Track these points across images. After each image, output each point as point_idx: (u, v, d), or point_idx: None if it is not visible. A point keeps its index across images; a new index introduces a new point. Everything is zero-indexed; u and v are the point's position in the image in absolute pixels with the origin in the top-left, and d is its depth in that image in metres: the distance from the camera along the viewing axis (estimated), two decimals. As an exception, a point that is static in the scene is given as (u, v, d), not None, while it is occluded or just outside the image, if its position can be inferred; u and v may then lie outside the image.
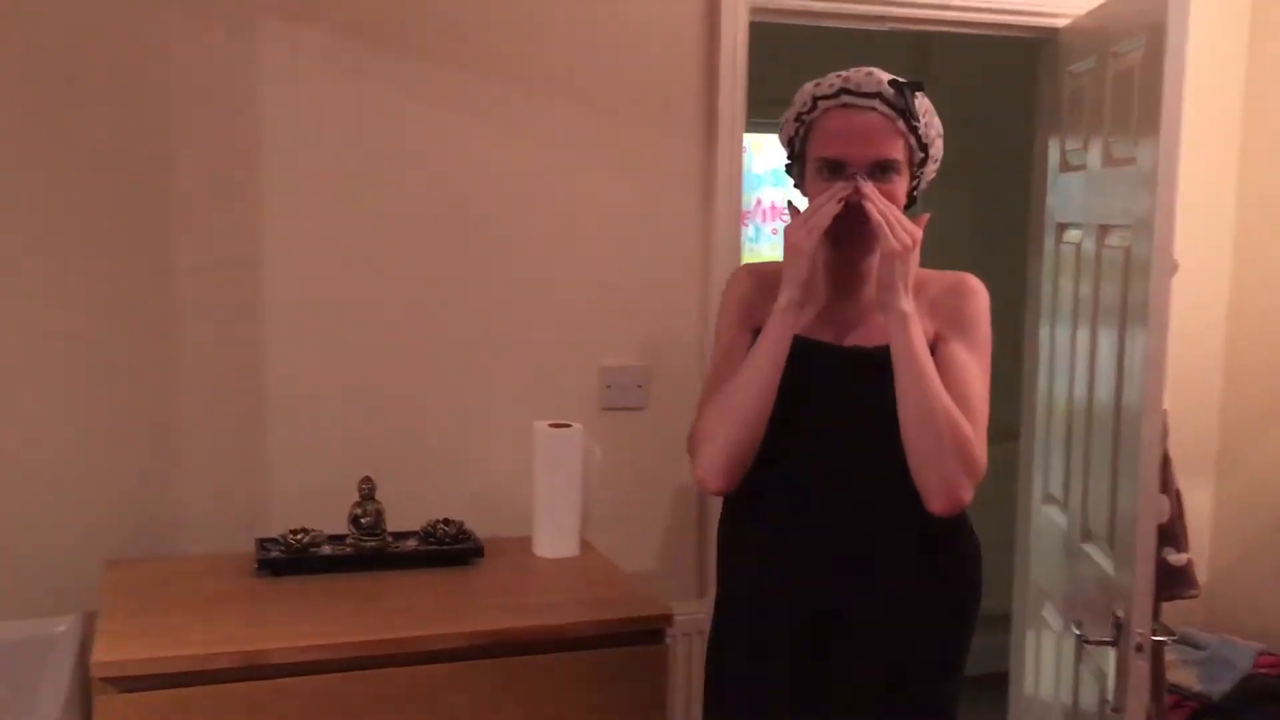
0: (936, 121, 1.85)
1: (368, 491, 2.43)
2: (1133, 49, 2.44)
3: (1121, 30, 2.54)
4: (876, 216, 1.72)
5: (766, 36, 2.85)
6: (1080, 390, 2.69)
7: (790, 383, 1.79)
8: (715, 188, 2.74)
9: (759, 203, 5.75)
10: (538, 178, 2.66)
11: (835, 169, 1.78)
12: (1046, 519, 2.92)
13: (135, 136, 2.41)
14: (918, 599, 1.83)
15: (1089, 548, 2.59)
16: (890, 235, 1.72)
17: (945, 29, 2.96)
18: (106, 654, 1.87)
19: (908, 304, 1.73)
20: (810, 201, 1.82)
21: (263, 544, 2.37)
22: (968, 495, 1.74)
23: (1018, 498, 3.19)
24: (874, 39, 3.02)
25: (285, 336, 2.52)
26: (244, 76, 2.45)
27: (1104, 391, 2.53)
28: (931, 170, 1.87)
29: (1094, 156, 2.68)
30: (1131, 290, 2.38)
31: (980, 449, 1.74)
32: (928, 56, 4.33)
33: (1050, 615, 2.84)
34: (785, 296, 1.78)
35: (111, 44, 2.38)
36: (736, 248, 2.78)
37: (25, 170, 2.36)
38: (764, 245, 5.69)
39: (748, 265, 2.02)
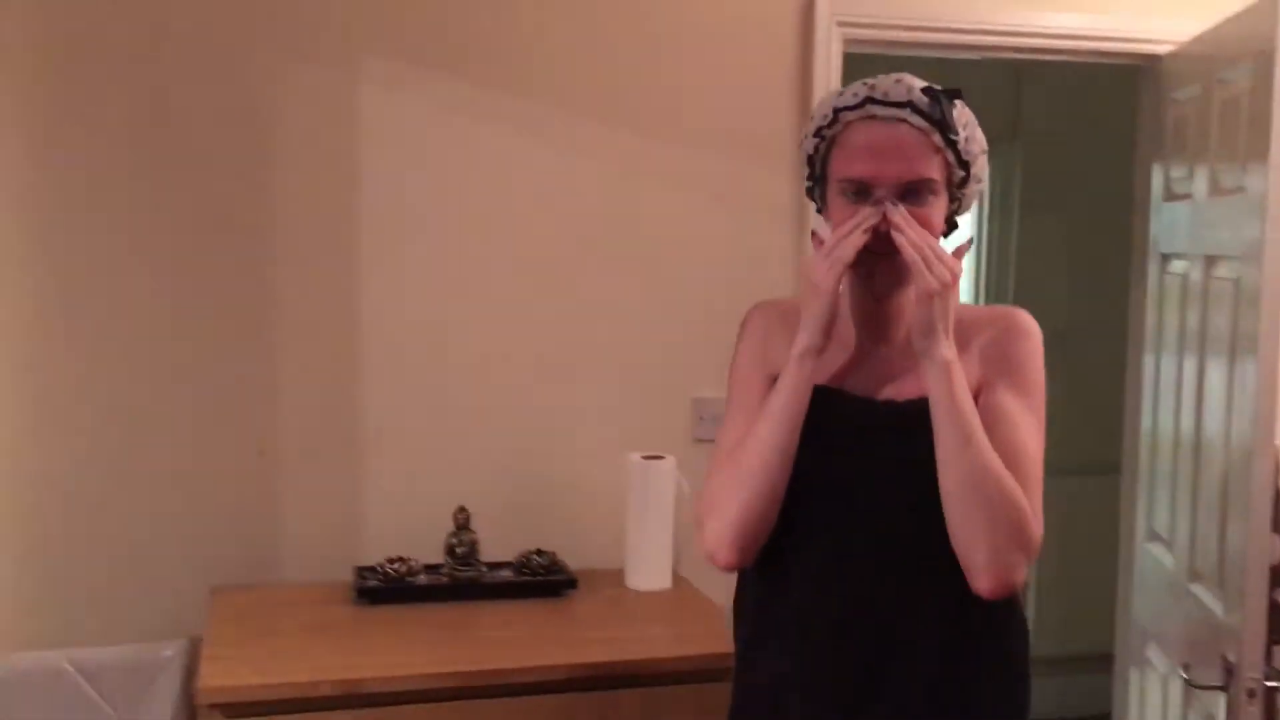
0: (979, 135, 1.58)
1: (463, 521, 2.46)
2: (1240, 76, 2.39)
3: (1227, 57, 2.48)
4: (909, 250, 1.47)
5: (860, 68, 2.84)
6: (1186, 424, 2.62)
7: (813, 441, 1.54)
8: (808, 219, 2.73)
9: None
10: (633, 210, 2.67)
11: (861, 192, 1.51)
12: (1151, 557, 2.84)
13: (240, 171, 2.48)
14: (960, 691, 1.55)
15: (1196, 588, 2.51)
16: (927, 270, 1.46)
17: (1044, 57, 2.92)
18: (212, 680, 1.92)
19: (949, 350, 1.48)
20: (834, 229, 1.55)
21: (361, 572, 2.41)
22: (1020, 575, 1.48)
23: (1119, 534, 3.11)
24: (965, 67, 2.99)
25: (383, 367, 2.56)
26: (345, 113, 2.51)
27: (1212, 425, 2.46)
28: (975, 191, 1.60)
29: (1200, 185, 2.61)
30: (1241, 321, 2.32)
31: (1036, 520, 1.49)
32: (1019, 84, 4.28)
33: (1155, 656, 2.76)
34: (803, 340, 1.53)
35: (219, 83, 2.45)
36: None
37: (138, 207, 2.43)
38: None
39: (766, 303, 1.72)
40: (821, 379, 1.57)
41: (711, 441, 2.71)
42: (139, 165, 2.43)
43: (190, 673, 2.28)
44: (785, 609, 1.59)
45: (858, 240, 1.50)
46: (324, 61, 2.50)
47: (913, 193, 1.51)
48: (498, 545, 2.49)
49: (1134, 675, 2.93)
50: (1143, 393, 2.92)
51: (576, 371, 2.68)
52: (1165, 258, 2.83)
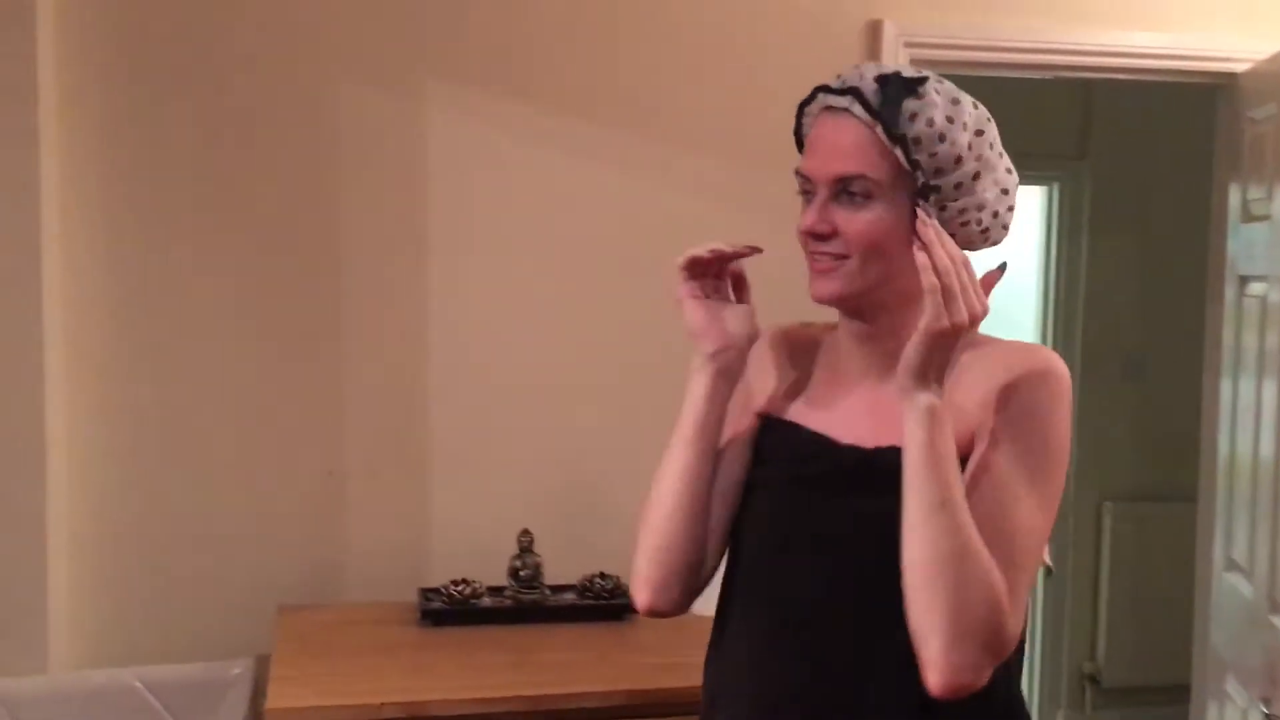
0: (960, 135, 1.28)
1: (526, 544, 2.46)
2: (1320, 94, 2.33)
3: (1307, 74, 2.42)
4: (929, 275, 1.18)
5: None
6: (1266, 449, 2.55)
7: (759, 480, 1.38)
8: (874, 241, 2.71)
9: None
10: (696, 233, 2.65)
11: (807, 191, 1.34)
12: (1229, 586, 2.76)
13: (309, 195, 2.52)
14: None
15: (1277, 619, 2.44)
16: (945, 305, 1.18)
17: (1116, 76, 2.87)
18: (280, 701, 1.93)
19: (933, 393, 1.20)
20: None
21: (425, 594, 2.42)
22: (981, 678, 1.19)
23: (1196, 562, 3.03)
24: (1037, 86, 2.96)
25: (448, 388, 2.58)
26: (411, 136, 2.54)
27: (1292, 453, 2.39)
28: (963, 203, 1.29)
29: (1279, 205, 2.55)
30: (1323, 346, 2.26)
31: (1015, 615, 1.20)
32: (1089, 103, 4.22)
33: (1234, 689, 2.68)
34: (696, 355, 1.40)
35: (290, 107, 2.49)
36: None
37: (210, 230, 2.48)
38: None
39: (779, 329, 1.50)
40: (783, 409, 1.39)
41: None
42: (212, 188, 2.48)
43: (258, 691, 2.30)
44: (731, 671, 1.39)
45: (700, 251, 1.39)
46: (391, 85, 2.53)
47: (845, 193, 1.29)
48: (561, 568, 2.49)
49: (1212, 708, 2.85)
50: (1220, 418, 2.85)
51: (639, 394, 2.67)
52: (1243, 279, 2.76)
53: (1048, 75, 2.84)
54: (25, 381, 2.30)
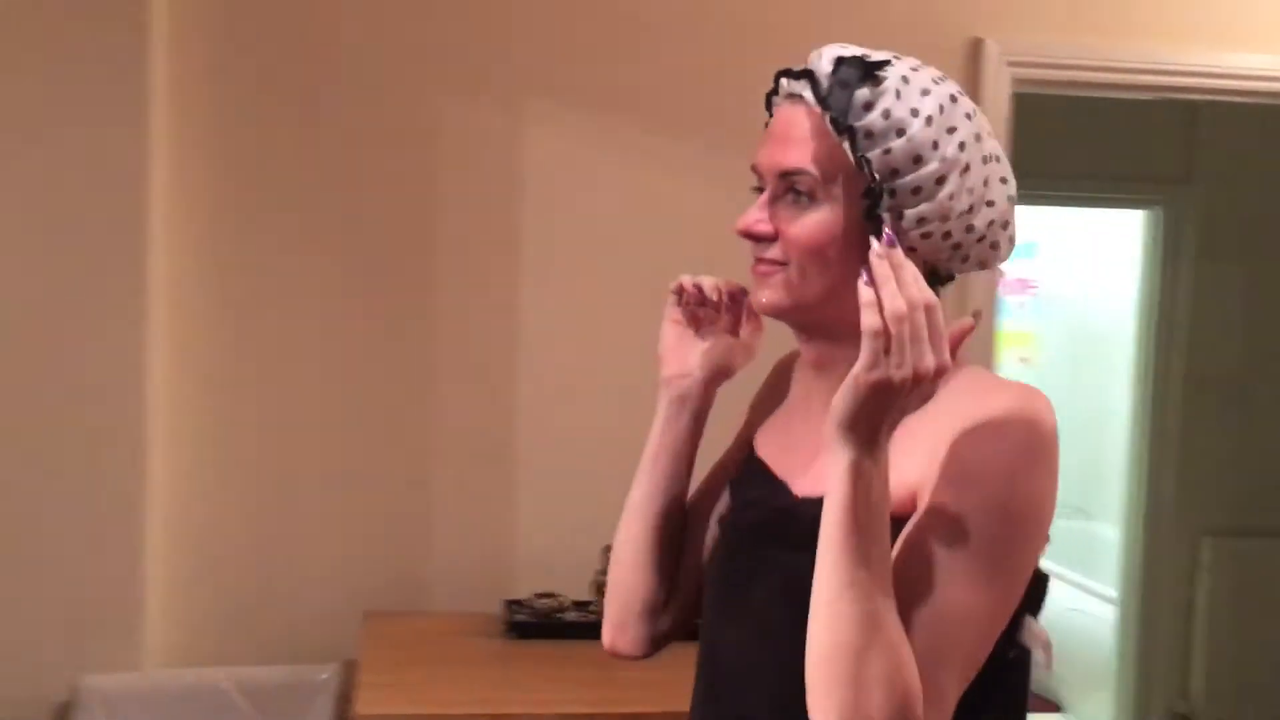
0: (923, 130, 1.08)
1: (612, 559, 2.46)
2: None
3: None
4: (870, 315, 0.96)
5: (1031, 109, 2.77)
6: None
7: (720, 526, 1.28)
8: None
9: (1003, 275, 5.59)
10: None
11: (760, 187, 1.17)
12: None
13: (407, 205, 2.55)
14: None
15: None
16: (884, 353, 0.95)
17: (1224, 97, 2.80)
18: (370, 707, 1.95)
19: (860, 448, 0.98)
20: None
21: (510, 605, 2.43)
22: None
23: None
24: (1139, 107, 2.89)
25: (537, 402, 2.59)
26: (508, 150, 2.56)
27: None
28: (923, 210, 1.08)
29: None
30: None
31: (937, 715, 0.99)
32: (1194, 124, 4.11)
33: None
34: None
35: (390, 119, 2.53)
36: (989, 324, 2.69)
37: (308, 238, 2.52)
38: (1006, 319, 5.52)
39: (794, 353, 1.31)
40: (760, 442, 1.27)
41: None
42: (313, 197, 2.52)
43: (342, 696, 2.33)
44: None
45: (685, 279, 1.28)
46: (489, 98, 2.55)
47: (791, 191, 1.12)
48: (645, 584, 2.48)
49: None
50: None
51: (728, 408, 2.65)
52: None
53: (1153, 97, 2.78)
54: (127, 385, 2.36)
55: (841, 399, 0.98)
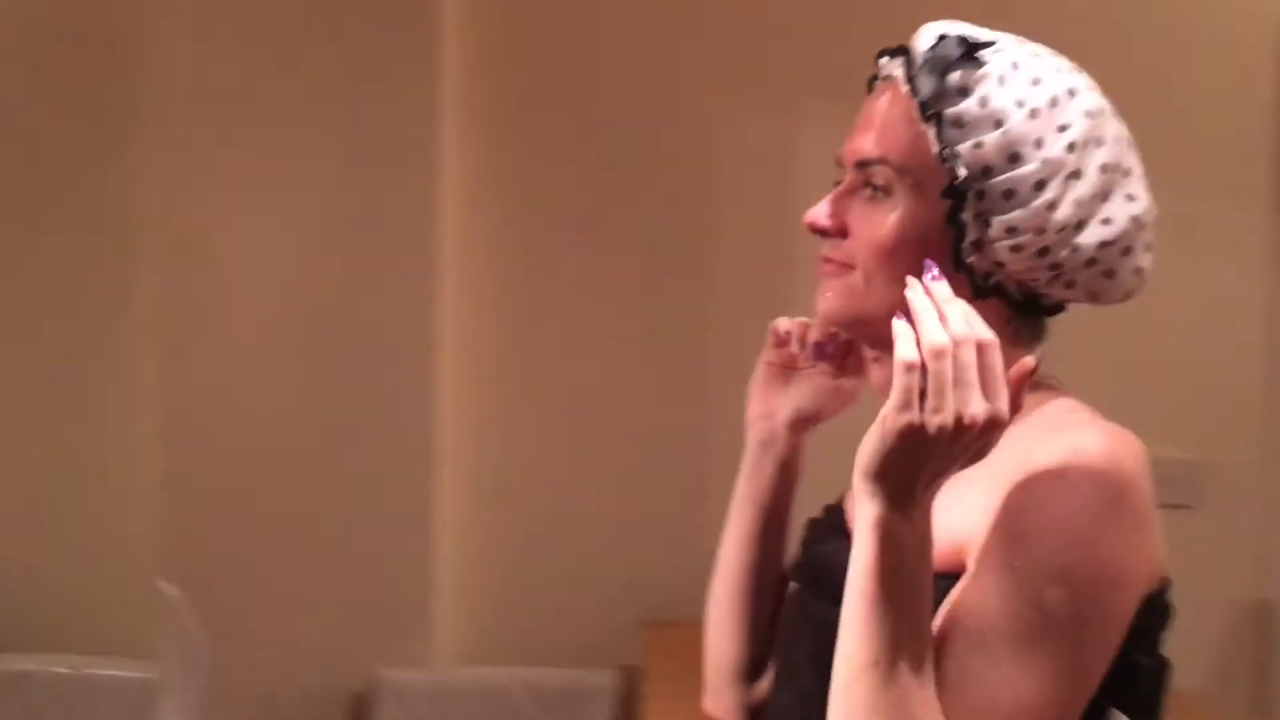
0: (1027, 124, 0.93)
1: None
2: None
3: None
4: (906, 347, 0.84)
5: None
6: None
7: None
8: (1285, 261, 2.45)
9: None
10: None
11: (839, 181, 1.05)
12: None
13: (687, 222, 2.56)
14: None
15: None
16: (916, 397, 0.82)
17: None
18: (660, 717, 1.96)
19: (890, 502, 0.84)
20: None
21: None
22: None
23: None
24: None
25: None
26: (784, 153, 2.52)
27: None
28: (1014, 219, 0.93)
29: None
30: None
31: None
32: None
33: None
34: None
35: (665, 126, 2.55)
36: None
37: (591, 249, 2.56)
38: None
39: None
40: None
41: (1164, 506, 2.49)
42: (597, 209, 2.55)
43: (621, 701, 2.35)
44: None
45: (782, 322, 1.18)
46: (764, 100, 2.53)
47: (865, 183, 0.99)
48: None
49: None
50: None
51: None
52: None
53: None
54: (417, 390, 2.47)
55: (866, 441, 0.85)
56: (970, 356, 0.81)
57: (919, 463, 0.82)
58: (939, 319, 0.83)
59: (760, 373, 1.20)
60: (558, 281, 2.57)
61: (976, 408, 0.81)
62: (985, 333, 0.83)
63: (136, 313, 2.57)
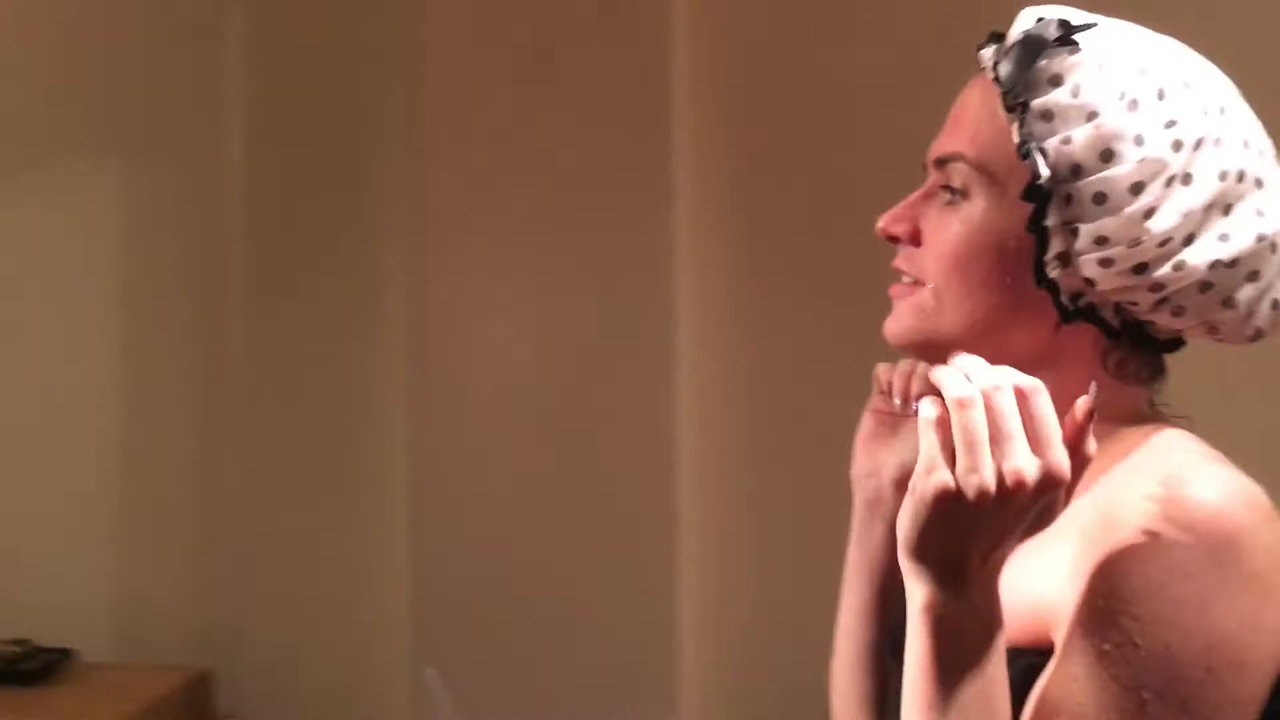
0: (1126, 118, 0.80)
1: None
2: None
3: None
4: (931, 427, 0.74)
5: None
6: None
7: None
8: None
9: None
10: None
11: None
12: None
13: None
14: None
15: None
16: (933, 447, 0.73)
17: None
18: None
19: (939, 581, 0.74)
20: None
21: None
22: None
23: None
24: None
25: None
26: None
27: None
28: (1105, 227, 0.80)
29: None
30: None
31: None
32: None
33: None
34: None
35: (880, 162, 2.48)
36: None
37: (826, 291, 2.44)
38: None
39: None
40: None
41: None
42: (831, 244, 2.41)
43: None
44: None
45: (884, 369, 1.09)
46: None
47: (944, 184, 0.88)
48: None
49: None
50: None
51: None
52: None
53: None
54: (658, 466, 2.44)
55: (902, 514, 0.74)
56: (1007, 404, 0.71)
57: (966, 533, 0.71)
58: (966, 366, 0.74)
59: (866, 423, 1.07)
60: (789, 334, 2.49)
61: (1021, 462, 0.70)
62: (1025, 378, 0.72)
63: (385, 398, 2.61)
